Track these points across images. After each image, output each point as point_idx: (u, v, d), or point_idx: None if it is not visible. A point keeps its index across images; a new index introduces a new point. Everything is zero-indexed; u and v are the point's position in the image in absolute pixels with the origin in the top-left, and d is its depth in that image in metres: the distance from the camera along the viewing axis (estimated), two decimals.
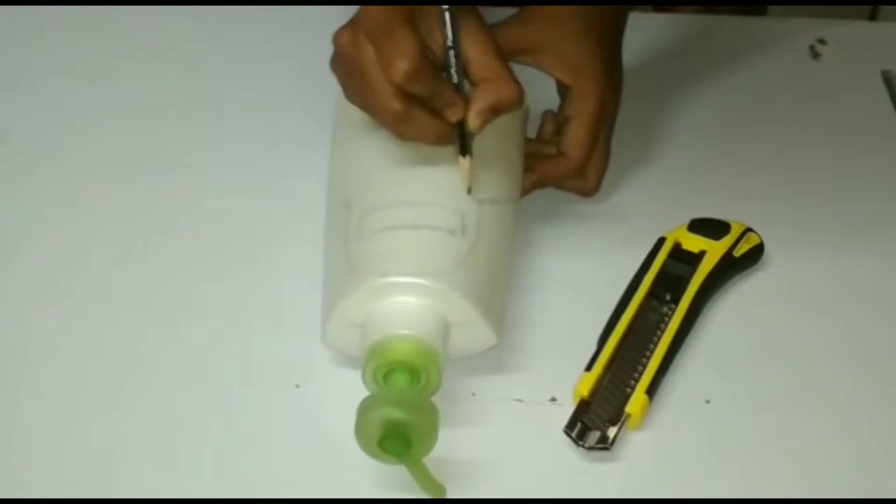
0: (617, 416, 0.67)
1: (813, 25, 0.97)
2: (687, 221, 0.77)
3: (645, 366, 0.69)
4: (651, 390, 0.68)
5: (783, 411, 0.70)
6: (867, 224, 0.81)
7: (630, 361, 0.70)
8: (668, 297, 0.73)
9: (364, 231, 0.69)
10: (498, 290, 0.70)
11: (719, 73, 0.92)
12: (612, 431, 0.67)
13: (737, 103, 0.90)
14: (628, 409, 0.67)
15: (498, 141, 0.73)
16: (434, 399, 0.64)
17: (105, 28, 0.95)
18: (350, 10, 0.69)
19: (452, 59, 0.69)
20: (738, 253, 0.76)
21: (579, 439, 0.66)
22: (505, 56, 0.71)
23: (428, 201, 0.70)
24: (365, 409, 0.63)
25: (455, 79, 0.69)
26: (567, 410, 0.68)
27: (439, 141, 0.69)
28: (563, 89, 0.79)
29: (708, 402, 0.70)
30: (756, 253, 0.77)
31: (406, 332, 0.65)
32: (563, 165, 0.78)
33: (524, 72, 0.73)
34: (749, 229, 0.77)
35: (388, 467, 0.63)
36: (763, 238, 0.77)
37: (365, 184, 0.72)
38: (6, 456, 0.67)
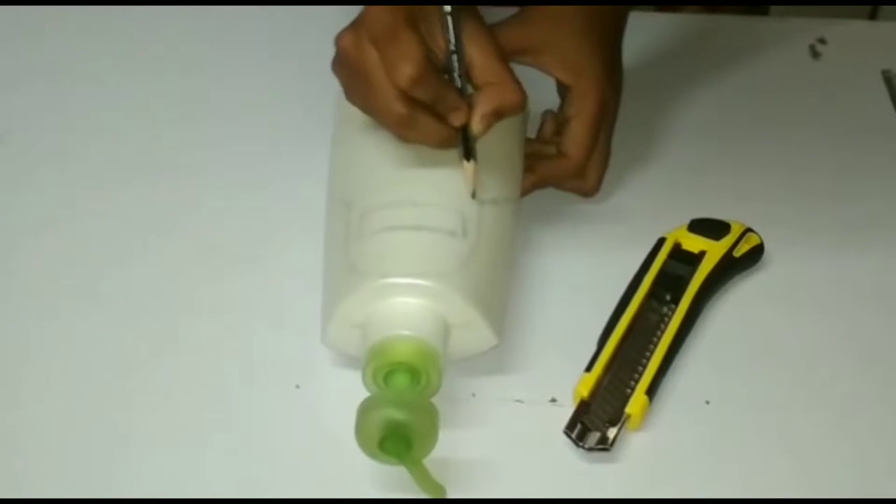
0: (617, 416, 0.67)
1: (813, 25, 0.97)
2: (687, 221, 0.77)
3: (645, 366, 0.69)
4: (651, 391, 0.68)
5: (783, 411, 0.70)
6: (867, 224, 0.81)
7: (630, 362, 0.70)
8: (668, 298, 0.73)
9: (364, 231, 0.69)
10: (498, 291, 0.70)
11: (719, 73, 0.92)
12: (612, 432, 0.67)
13: (737, 103, 0.90)
14: (628, 409, 0.67)
15: (498, 141, 0.73)
16: (434, 400, 0.64)
17: (105, 28, 0.95)
18: (350, 11, 0.69)
19: (455, 63, 0.69)
20: (738, 253, 0.76)
21: (579, 440, 0.66)
22: (507, 58, 0.71)
23: (428, 201, 0.70)
24: (365, 409, 0.63)
25: (458, 82, 0.69)
26: (567, 411, 0.68)
27: (443, 145, 0.69)
28: (563, 89, 0.79)
29: (708, 402, 0.70)
30: (756, 253, 0.77)
31: (406, 332, 0.65)
32: (563, 165, 0.78)
33: (524, 72, 0.73)
34: (749, 229, 0.77)
35: (388, 468, 0.63)
36: (763, 238, 0.77)
37: (365, 184, 0.72)
38: (6, 456, 0.67)
